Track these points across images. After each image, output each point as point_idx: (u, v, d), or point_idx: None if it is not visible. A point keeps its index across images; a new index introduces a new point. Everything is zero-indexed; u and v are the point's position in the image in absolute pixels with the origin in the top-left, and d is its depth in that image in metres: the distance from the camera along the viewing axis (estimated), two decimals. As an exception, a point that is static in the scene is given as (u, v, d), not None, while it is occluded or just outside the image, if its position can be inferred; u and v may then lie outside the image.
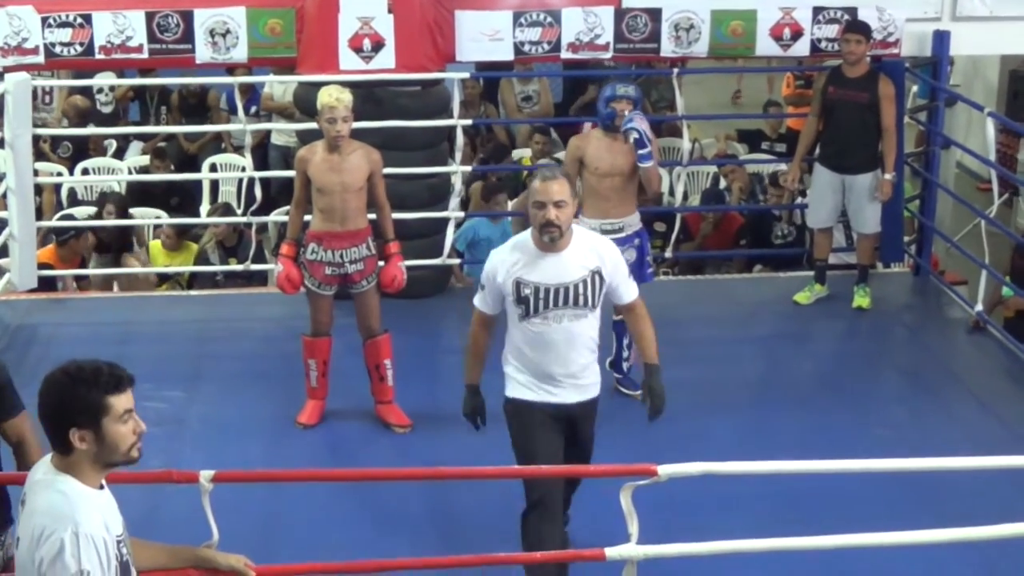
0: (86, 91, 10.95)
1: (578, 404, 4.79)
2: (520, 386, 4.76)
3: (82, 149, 10.68)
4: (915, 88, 11.02)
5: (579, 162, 6.42)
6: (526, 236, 4.72)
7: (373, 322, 6.38)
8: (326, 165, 6.14)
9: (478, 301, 4.82)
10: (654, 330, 4.90)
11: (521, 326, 4.70)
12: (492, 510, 5.25)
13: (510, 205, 8.94)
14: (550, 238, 4.59)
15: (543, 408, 4.73)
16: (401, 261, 6.38)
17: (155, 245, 8.96)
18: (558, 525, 4.75)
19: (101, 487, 3.20)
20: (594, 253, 4.69)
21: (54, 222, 8.79)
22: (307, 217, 6.39)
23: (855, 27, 7.76)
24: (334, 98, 6.06)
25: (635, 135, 6.23)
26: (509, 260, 4.68)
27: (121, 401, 3.14)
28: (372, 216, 6.37)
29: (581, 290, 4.64)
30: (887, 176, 7.73)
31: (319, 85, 7.71)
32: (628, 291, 4.82)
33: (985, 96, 12.08)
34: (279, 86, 10.16)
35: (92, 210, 9.15)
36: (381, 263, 6.37)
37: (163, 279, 8.91)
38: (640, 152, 6.24)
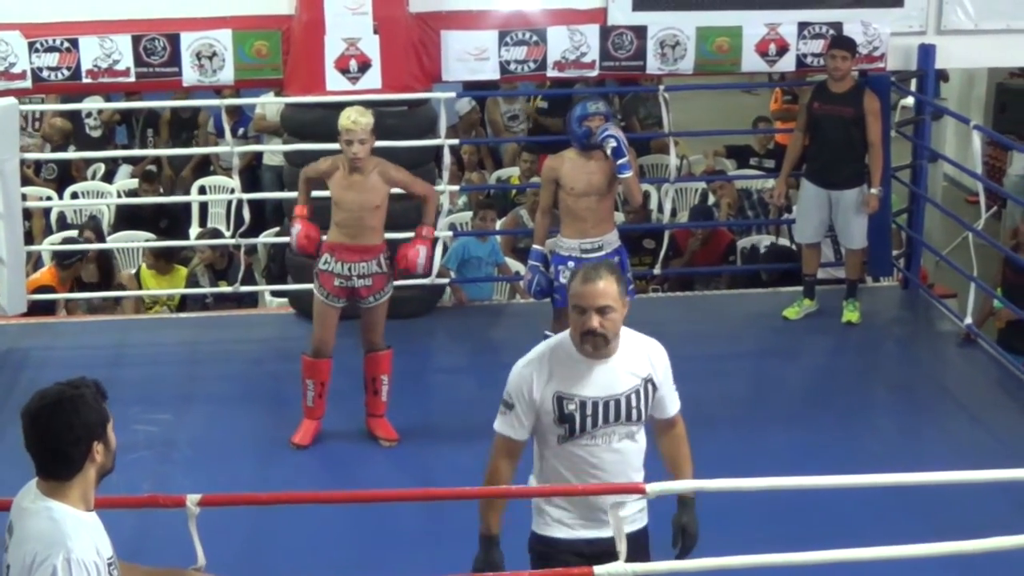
0: (71, 115, 10.94)
1: (627, 536, 3.96)
2: (553, 522, 4.04)
3: (67, 171, 10.70)
4: (905, 101, 11.04)
5: (555, 183, 6.43)
6: (560, 340, 3.98)
7: (376, 336, 6.43)
8: (345, 183, 6.26)
9: (502, 426, 3.97)
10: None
11: (562, 450, 3.95)
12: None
13: (498, 224, 8.95)
14: (593, 347, 3.87)
15: (579, 547, 4.02)
16: (423, 245, 6.39)
17: (145, 270, 8.95)
18: None
19: (89, 509, 3.19)
20: (644, 358, 4.00)
21: (54, 246, 8.77)
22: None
23: (840, 43, 7.78)
24: (351, 120, 6.16)
25: (613, 143, 6.23)
26: (544, 371, 3.91)
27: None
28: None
29: (633, 402, 3.94)
30: (873, 191, 7.74)
31: (305, 107, 7.80)
32: (673, 402, 4.13)
33: (970, 108, 12.11)
34: (271, 107, 10.16)
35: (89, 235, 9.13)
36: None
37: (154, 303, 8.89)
38: (619, 162, 6.24)
